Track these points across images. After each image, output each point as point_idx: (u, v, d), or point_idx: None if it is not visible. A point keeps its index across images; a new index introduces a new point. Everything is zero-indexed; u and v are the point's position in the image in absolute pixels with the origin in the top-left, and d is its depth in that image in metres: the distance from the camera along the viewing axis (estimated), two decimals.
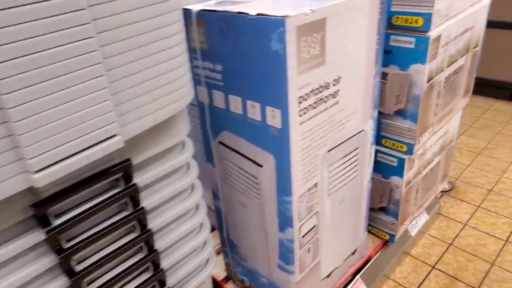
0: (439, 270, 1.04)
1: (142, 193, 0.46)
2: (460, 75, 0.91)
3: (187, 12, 0.59)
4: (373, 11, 0.60)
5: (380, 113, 0.83)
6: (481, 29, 0.92)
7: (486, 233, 1.15)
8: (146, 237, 0.46)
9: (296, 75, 0.51)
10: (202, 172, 0.58)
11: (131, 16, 0.33)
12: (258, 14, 0.49)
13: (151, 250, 0.48)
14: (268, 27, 0.48)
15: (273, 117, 0.55)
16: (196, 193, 0.55)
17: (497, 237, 1.13)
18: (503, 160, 1.50)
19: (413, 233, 1.08)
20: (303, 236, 0.68)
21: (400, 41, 0.73)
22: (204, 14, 0.57)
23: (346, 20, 0.56)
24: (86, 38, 0.31)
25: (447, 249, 1.11)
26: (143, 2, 0.33)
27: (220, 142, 0.69)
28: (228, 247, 0.85)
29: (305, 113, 0.55)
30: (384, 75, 0.79)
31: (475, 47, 0.92)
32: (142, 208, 0.45)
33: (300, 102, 0.54)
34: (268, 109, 0.55)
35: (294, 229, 0.65)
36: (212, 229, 1.05)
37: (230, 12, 0.53)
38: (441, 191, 1.34)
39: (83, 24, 0.30)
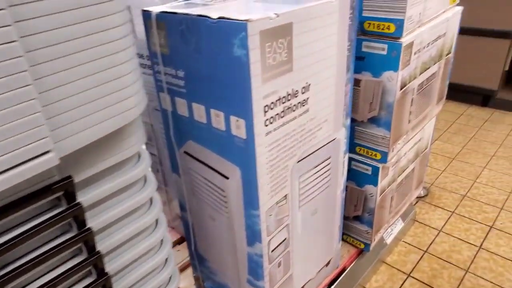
0: (415, 278, 1.03)
1: (91, 211, 0.42)
2: (434, 82, 0.90)
3: (146, 14, 0.56)
4: (343, 17, 0.58)
5: (354, 120, 0.81)
6: (454, 36, 0.91)
7: (460, 239, 1.15)
8: (94, 260, 0.42)
9: (261, 82, 0.48)
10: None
11: (64, 18, 0.29)
12: (219, 18, 0.46)
13: (101, 273, 0.44)
14: (230, 31, 0.45)
15: (238, 127, 0.52)
16: (155, 208, 0.51)
17: (471, 243, 1.13)
18: (476, 165, 1.52)
19: (388, 240, 1.07)
20: (272, 251, 0.64)
21: (372, 48, 0.71)
22: (164, 16, 0.53)
23: (315, 25, 0.53)
24: (8, 43, 0.27)
25: (422, 256, 1.10)
26: (77, 3, 0.29)
27: (186, 152, 0.65)
28: (197, 261, 0.81)
29: (271, 122, 0.52)
30: (357, 82, 0.77)
31: (448, 54, 0.92)
32: (89, 229, 0.40)
33: (266, 111, 0.51)
34: (233, 118, 0.52)
35: (262, 244, 0.61)
36: (183, 240, 1.00)
37: (191, 15, 0.49)
38: (417, 197, 1.34)
39: (3, 27, 0.26)
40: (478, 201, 1.31)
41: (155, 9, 0.55)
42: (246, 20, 0.43)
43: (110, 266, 0.45)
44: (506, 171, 1.47)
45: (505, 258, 1.07)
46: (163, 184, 0.96)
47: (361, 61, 0.74)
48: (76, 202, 0.39)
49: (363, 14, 0.69)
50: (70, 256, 0.42)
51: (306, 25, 0.51)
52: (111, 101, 0.35)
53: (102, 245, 0.44)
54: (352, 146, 0.85)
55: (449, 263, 1.07)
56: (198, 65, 0.52)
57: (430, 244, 1.14)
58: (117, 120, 0.36)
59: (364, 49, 0.73)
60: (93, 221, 0.42)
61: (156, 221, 0.53)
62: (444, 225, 1.21)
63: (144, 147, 0.48)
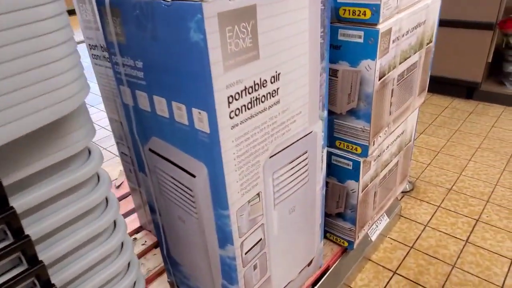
0: (401, 275, 1.00)
1: (33, 216, 0.38)
2: (414, 72, 0.87)
3: (99, 0, 0.51)
4: (314, 0, 0.54)
5: (332, 113, 0.78)
6: (434, 24, 0.89)
7: (447, 233, 1.13)
8: (36, 271, 0.37)
9: (223, 70, 0.44)
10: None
11: None
12: (173, 0, 0.42)
13: (46, 286, 0.39)
14: (185, 14, 0.41)
15: (200, 120, 0.48)
16: (111, 209, 0.46)
17: (457, 238, 1.11)
18: (461, 157, 1.50)
19: (373, 237, 1.04)
20: (246, 253, 0.60)
21: (348, 35, 0.68)
22: (118, 1, 0.49)
23: (282, 9, 0.49)
24: None
25: (408, 252, 1.07)
26: None
27: (151, 150, 0.61)
28: (170, 265, 0.76)
29: (237, 115, 0.48)
30: (334, 72, 0.73)
31: (428, 43, 0.89)
32: (27, 236, 0.36)
33: (230, 102, 0.47)
34: (195, 111, 0.48)
35: (235, 246, 0.57)
36: (157, 245, 0.96)
37: None
38: (402, 192, 1.31)
39: None
40: (464, 194, 1.29)
41: None
42: (201, 1, 0.39)
43: (57, 277, 0.41)
44: (491, 163, 1.45)
45: (491, 251, 1.05)
46: (137, 185, 0.92)
47: (337, 50, 0.70)
48: (9, 206, 0.34)
49: (338, 0, 0.66)
50: (9, 267, 0.38)
51: (273, 9, 0.48)
52: (41, 89, 0.30)
53: (46, 254, 0.39)
54: (331, 140, 0.81)
55: (436, 258, 1.04)
56: (156, 53, 0.48)
57: (416, 239, 1.11)
58: (52, 111, 0.32)
59: (340, 38, 0.69)
60: (34, 227, 0.38)
61: (114, 223, 0.49)
62: (430, 219, 1.19)
63: (93, 144, 0.44)
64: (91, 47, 0.73)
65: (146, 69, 0.51)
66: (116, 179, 1.28)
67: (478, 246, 1.07)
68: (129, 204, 1.09)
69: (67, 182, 0.39)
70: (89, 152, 0.43)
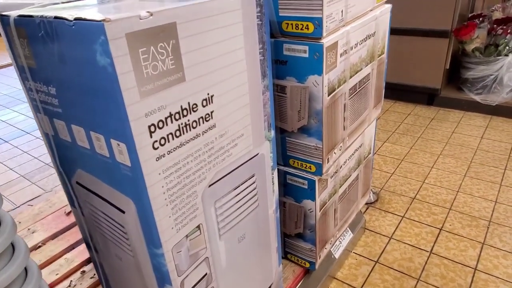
0: None
1: None
2: (368, 84, 0.85)
3: (4, 20, 0.45)
4: (248, 15, 0.50)
5: (284, 131, 0.74)
6: (385, 35, 0.87)
7: (411, 245, 1.11)
8: None
9: (139, 97, 0.39)
10: None
11: None
12: (76, 19, 0.36)
13: None
14: (89, 35, 0.36)
15: (121, 153, 0.42)
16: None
17: (422, 249, 1.09)
18: (424, 165, 1.50)
19: (337, 254, 1.00)
20: None
21: (293, 50, 0.64)
22: (23, 21, 0.43)
23: (210, 26, 0.45)
24: None
25: (373, 267, 1.04)
26: None
27: (78, 183, 0.54)
28: None
29: (163, 144, 0.43)
30: (282, 89, 0.70)
31: (380, 55, 0.87)
32: None
33: (152, 132, 0.42)
34: (113, 142, 0.42)
35: (173, 286, 0.52)
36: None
37: (47, 17, 0.39)
38: (366, 203, 1.29)
39: None
40: (427, 203, 1.28)
41: (14, 13, 0.44)
42: (103, 20, 0.34)
43: None
44: (452, 169, 1.46)
45: (455, 262, 1.04)
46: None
47: (284, 66, 0.67)
48: None
49: (280, 14, 0.62)
50: None
51: (197, 26, 0.43)
52: None
53: None
54: (285, 159, 0.77)
55: (401, 272, 1.02)
56: (67, 79, 0.42)
57: (381, 253, 1.09)
58: None
59: (285, 52, 0.66)
60: None
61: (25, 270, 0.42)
62: (394, 231, 1.17)
63: None
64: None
65: (60, 95, 0.45)
66: (66, 205, 1.19)
67: (442, 257, 1.06)
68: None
69: None
70: None
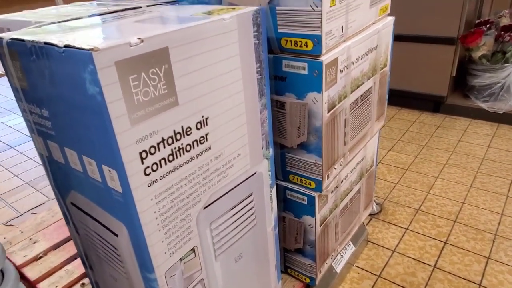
0: None
1: None
2: (370, 98, 0.83)
3: None
4: (245, 35, 0.49)
5: (284, 147, 0.73)
6: (388, 48, 0.86)
7: (415, 259, 1.09)
8: None
9: (129, 125, 0.38)
10: None
11: None
12: (66, 46, 0.36)
13: None
14: (78, 63, 0.35)
15: (112, 179, 0.42)
16: None
17: (426, 263, 1.07)
18: (429, 175, 1.48)
19: (338, 269, 0.99)
20: None
21: (293, 67, 0.63)
22: (15, 44, 0.43)
23: (203, 48, 0.44)
24: None
25: (375, 282, 1.02)
26: None
27: (72, 203, 0.54)
28: None
29: (155, 170, 0.43)
30: (282, 105, 0.69)
31: (383, 67, 0.86)
32: None
33: (144, 158, 0.41)
34: (105, 168, 0.42)
35: None
36: None
37: (38, 42, 0.39)
38: (370, 214, 1.28)
39: None
40: (431, 215, 1.26)
41: (7, 35, 0.44)
42: (92, 50, 0.33)
43: None
44: (458, 179, 1.44)
45: (459, 277, 1.02)
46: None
47: (283, 82, 0.66)
48: None
49: (279, 30, 0.61)
50: None
51: (191, 49, 0.42)
52: None
53: None
54: (285, 174, 0.76)
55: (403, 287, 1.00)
56: (58, 103, 0.42)
57: (384, 267, 1.07)
58: None
59: (285, 68, 0.65)
60: None
61: None
62: (398, 244, 1.15)
63: None
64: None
65: (53, 118, 0.45)
66: None
67: (446, 272, 1.04)
68: None
69: None
70: None
